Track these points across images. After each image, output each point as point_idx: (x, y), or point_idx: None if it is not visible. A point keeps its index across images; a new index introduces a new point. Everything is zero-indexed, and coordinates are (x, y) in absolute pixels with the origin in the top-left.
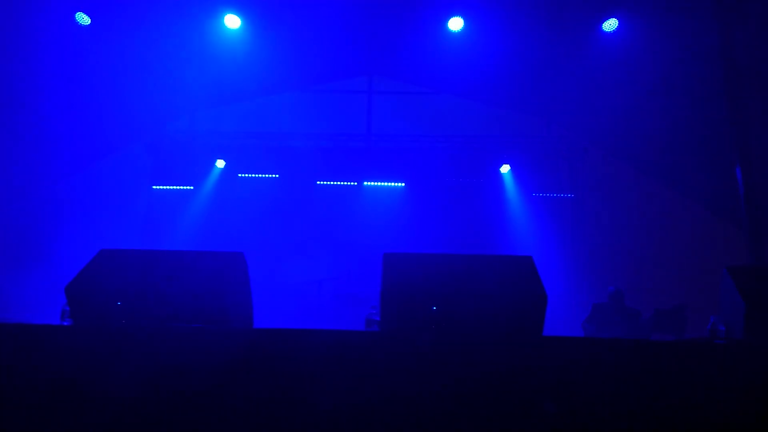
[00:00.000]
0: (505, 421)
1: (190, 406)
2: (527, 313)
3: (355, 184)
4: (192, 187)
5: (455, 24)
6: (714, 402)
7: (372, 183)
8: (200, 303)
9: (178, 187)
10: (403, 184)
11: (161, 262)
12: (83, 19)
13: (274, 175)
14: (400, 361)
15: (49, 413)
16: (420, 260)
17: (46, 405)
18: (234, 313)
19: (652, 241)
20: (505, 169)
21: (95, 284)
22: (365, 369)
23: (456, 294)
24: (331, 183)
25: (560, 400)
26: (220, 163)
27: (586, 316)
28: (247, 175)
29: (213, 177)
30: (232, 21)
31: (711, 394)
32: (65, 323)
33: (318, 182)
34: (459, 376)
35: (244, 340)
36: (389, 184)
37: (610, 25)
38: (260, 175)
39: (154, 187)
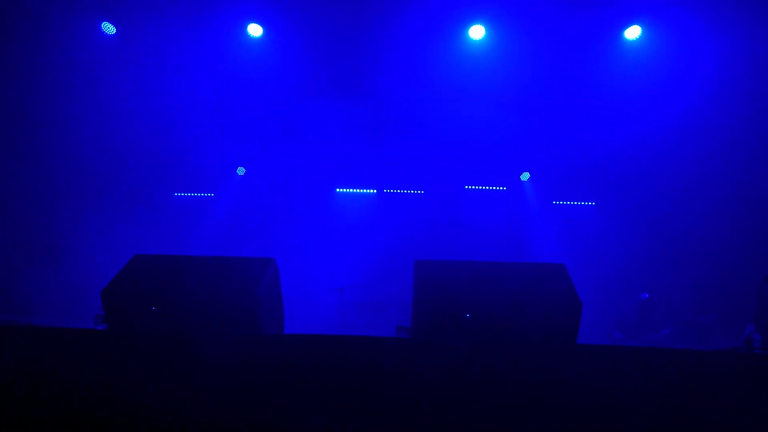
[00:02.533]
0: (538, 429)
1: (223, 412)
2: (562, 320)
3: (375, 191)
4: (212, 194)
5: (476, 33)
6: (749, 414)
7: (392, 190)
8: (233, 308)
9: (199, 194)
10: (423, 192)
11: (195, 268)
12: (109, 29)
13: (294, 183)
14: (432, 368)
15: (83, 418)
16: (452, 267)
17: (79, 410)
18: (266, 319)
19: (677, 250)
20: (525, 176)
21: (129, 289)
22: (397, 376)
23: (489, 301)
24: (352, 190)
25: (593, 409)
26: (241, 171)
27: (613, 324)
28: (267, 182)
29: (234, 184)
30: (255, 30)
31: (747, 405)
32: (99, 328)
33: (338, 189)
34: (492, 384)
35: (276, 346)
36: (409, 191)
37: (633, 33)
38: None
39: (176, 194)
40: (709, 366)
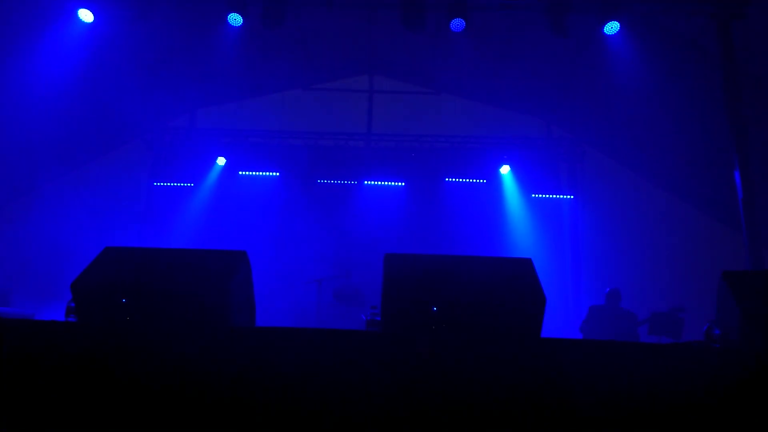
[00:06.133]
0: (503, 422)
1: (191, 405)
2: (526, 314)
3: (356, 183)
4: (192, 184)
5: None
6: (707, 405)
7: (372, 182)
8: (204, 301)
9: (178, 184)
10: (404, 184)
11: (166, 260)
12: (86, 16)
13: (274, 174)
14: (400, 361)
15: (53, 410)
16: (421, 261)
17: (50, 402)
18: (237, 312)
19: (651, 244)
20: (504, 169)
21: (100, 281)
22: (366, 369)
23: (456, 295)
24: (332, 182)
25: (557, 402)
26: (221, 161)
27: (584, 318)
28: (247, 173)
29: (213, 174)
30: (234, 19)
31: (704, 397)
32: (70, 320)
33: (318, 181)
34: (458, 376)
35: (246, 338)
36: (390, 183)
37: (612, 27)
38: (261, 173)
39: (155, 183)
40: (671, 358)
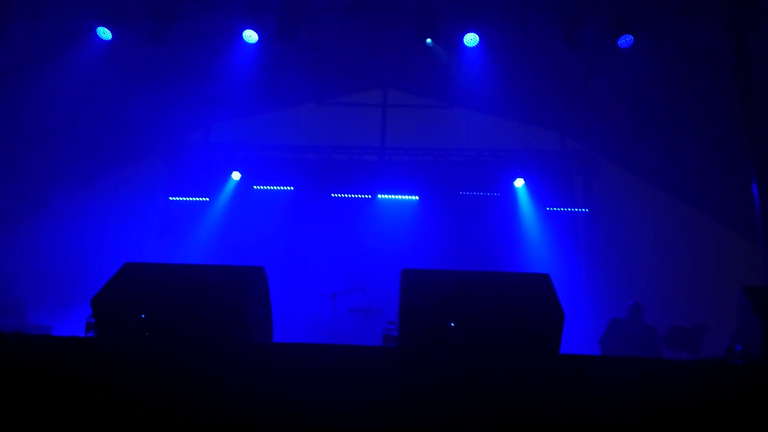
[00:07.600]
0: None
1: (209, 421)
2: (544, 330)
3: (370, 197)
4: (208, 199)
5: (470, 38)
6: (729, 422)
7: (386, 196)
8: (222, 316)
9: (194, 199)
10: (417, 198)
11: (186, 276)
12: (105, 33)
13: (288, 188)
14: (417, 376)
15: (72, 425)
16: (438, 276)
17: (68, 417)
18: (255, 328)
19: (668, 257)
20: (519, 183)
21: (120, 297)
22: (383, 384)
23: (474, 311)
24: (346, 196)
25: (575, 419)
26: (236, 175)
27: (603, 332)
28: (262, 187)
29: (228, 189)
30: (250, 35)
31: (726, 414)
32: (89, 335)
33: (332, 195)
34: (476, 392)
35: (265, 355)
36: (403, 197)
37: (626, 41)
38: (275, 188)
39: (171, 198)
40: (692, 375)
